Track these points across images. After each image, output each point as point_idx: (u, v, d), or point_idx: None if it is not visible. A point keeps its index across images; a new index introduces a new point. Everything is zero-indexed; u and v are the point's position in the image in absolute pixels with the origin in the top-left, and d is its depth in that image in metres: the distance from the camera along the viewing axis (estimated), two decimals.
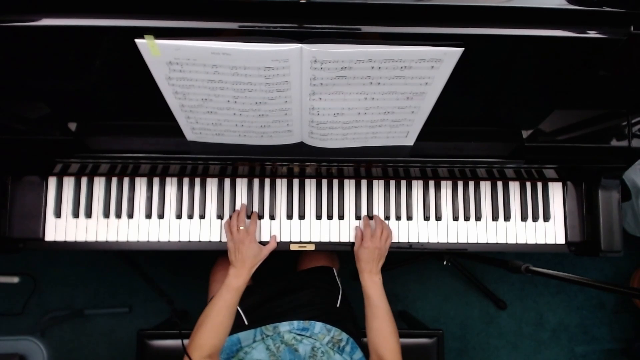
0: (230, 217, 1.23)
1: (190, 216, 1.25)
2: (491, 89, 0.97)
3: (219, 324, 1.07)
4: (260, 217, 1.25)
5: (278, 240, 1.24)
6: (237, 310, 1.21)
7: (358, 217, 1.26)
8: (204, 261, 1.54)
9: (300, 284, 1.29)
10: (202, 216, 1.25)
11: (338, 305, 1.27)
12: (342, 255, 1.59)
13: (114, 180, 1.25)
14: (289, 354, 1.12)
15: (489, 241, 1.27)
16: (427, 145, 1.12)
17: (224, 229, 1.23)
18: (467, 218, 1.28)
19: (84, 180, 1.25)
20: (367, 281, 1.17)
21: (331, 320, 1.20)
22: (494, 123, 1.11)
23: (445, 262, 1.52)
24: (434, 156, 1.13)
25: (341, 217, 1.26)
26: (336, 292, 1.31)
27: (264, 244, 1.21)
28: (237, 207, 1.25)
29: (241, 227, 1.17)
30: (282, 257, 1.27)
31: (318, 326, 1.18)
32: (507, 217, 1.28)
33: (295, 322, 1.18)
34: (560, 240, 1.27)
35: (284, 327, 1.18)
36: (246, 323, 1.20)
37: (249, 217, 1.23)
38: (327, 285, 1.32)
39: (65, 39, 0.80)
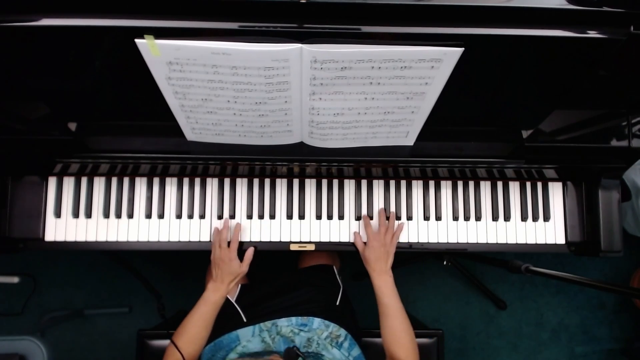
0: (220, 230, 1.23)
1: (190, 216, 1.25)
2: (491, 89, 0.97)
3: (195, 335, 1.13)
4: (261, 217, 1.25)
5: (278, 240, 1.24)
6: (236, 308, 1.21)
7: (358, 218, 1.26)
8: (204, 261, 1.53)
9: (300, 282, 1.29)
10: (202, 216, 1.25)
11: (338, 303, 1.27)
12: (343, 254, 1.59)
13: (114, 180, 1.25)
14: (284, 344, 1.12)
15: (489, 241, 1.27)
16: (427, 145, 1.12)
17: (213, 240, 1.23)
18: (467, 218, 1.28)
19: (84, 180, 1.25)
20: (378, 281, 1.16)
21: (330, 317, 1.20)
22: (494, 123, 1.11)
23: (445, 262, 1.52)
24: (434, 156, 1.13)
25: (341, 217, 1.26)
26: (336, 290, 1.31)
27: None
28: (237, 207, 1.25)
29: (223, 245, 1.19)
30: (282, 255, 1.27)
31: (316, 322, 1.18)
32: (507, 217, 1.28)
33: (294, 319, 1.18)
34: (560, 240, 1.27)
35: (283, 322, 1.18)
36: (245, 320, 1.20)
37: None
38: (328, 283, 1.32)
39: (65, 39, 0.80)
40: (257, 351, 1.13)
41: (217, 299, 1.17)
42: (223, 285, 1.18)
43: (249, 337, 1.17)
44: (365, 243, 1.22)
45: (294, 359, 1.02)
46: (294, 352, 1.04)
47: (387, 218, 1.25)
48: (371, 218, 1.26)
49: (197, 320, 1.14)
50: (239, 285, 1.30)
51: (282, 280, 1.31)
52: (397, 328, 1.12)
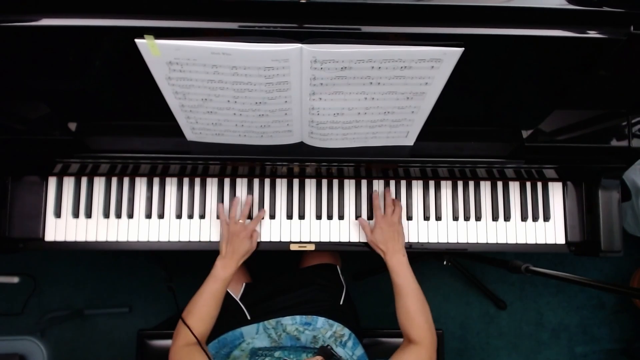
0: (231, 204, 1.22)
1: (190, 216, 1.25)
2: (491, 89, 0.97)
3: (205, 313, 1.10)
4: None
5: (278, 240, 1.24)
6: (240, 306, 1.21)
7: (358, 217, 1.26)
8: (204, 261, 1.54)
9: (304, 281, 1.29)
10: (202, 216, 1.25)
11: (341, 302, 1.28)
12: (344, 254, 1.59)
13: (114, 180, 1.25)
14: (290, 340, 1.12)
15: (489, 241, 1.27)
16: (427, 145, 1.12)
17: (217, 212, 1.22)
18: (467, 218, 1.28)
19: (84, 180, 1.25)
20: (391, 261, 1.14)
21: (334, 316, 1.20)
22: (494, 123, 1.11)
23: (445, 262, 1.52)
24: (434, 156, 1.13)
25: (341, 217, 1.26)
26: (340, 289, 1.31)
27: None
28: (237, 206, 1.25)
29: (240, 221, 1.17)
30: (284, 254, 1.27)
31: (320, 321, 1.18)
32: (507, 217, 1.28)
33: (297, 317, 1.18)
34: (560, 240, 1.27)
35: (287, 321, 1.18)
36: (249, 318, 1.21)
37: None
38: (331, 282, 1.32)
39: (65, 39, 0.80)
40: (267, 346, 1.13)
41: (226, 275, 1.13)
42: (232, 262, 1.15)
43: (253, 335, 1.17)
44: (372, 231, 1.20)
45: (330, 357, 1.01)
46: (329, 350, 1.03)
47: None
48: (369, 218, 1.26)
49: (207, 299, 1.11)
50: (243, 284, 1.30)
51: (286, 278, 1.31)
52: (410, 308, 1.11)
